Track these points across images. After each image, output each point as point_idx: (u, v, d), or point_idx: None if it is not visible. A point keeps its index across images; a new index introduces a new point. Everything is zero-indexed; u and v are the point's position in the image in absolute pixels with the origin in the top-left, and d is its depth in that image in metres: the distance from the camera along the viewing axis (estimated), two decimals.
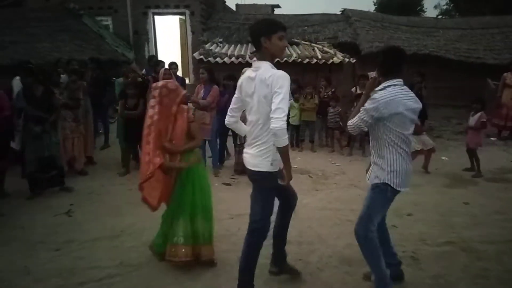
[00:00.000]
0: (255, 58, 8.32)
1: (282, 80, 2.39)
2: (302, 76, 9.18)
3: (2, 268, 3.27)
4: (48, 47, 8.14)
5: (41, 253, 3.50)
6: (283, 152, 2.45)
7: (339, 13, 13.39)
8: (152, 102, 3.08)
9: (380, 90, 2.65)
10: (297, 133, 7.93)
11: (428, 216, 4.37)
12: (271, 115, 2.35)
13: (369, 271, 3.00)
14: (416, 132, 6.07)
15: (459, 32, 11.68)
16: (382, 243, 2.89)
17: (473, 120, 5.97)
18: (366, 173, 2.94)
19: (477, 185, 5.60)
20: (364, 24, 11.52)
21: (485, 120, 5.89)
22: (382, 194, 2.68)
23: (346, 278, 3.10)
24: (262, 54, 2.55)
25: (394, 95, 2.58)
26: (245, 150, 2.75)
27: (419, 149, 5.95)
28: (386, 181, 2.63)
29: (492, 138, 8.20)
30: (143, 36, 11.67)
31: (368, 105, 2.61)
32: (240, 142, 5.90)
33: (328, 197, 5.03)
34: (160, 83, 3.19)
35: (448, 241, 3.74)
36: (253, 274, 2.78)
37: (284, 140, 2.37)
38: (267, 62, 2.52)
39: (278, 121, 2.31)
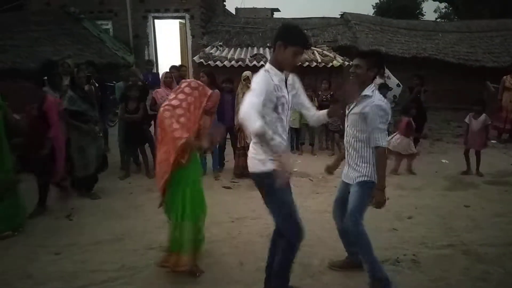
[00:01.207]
0: (255, 62, 8.38)
1: (256, 77, 2.44)
2: (301, 80, 9.18)
3: (4, 271, 3.27)
4: (49, 51, 8.17)
5: (42, 257, 3.50)
6: (260, 139, 2.32)
7: (339, 16, 13.43)
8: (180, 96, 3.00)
9: (369, 95, 2.77)
10: (297, 136, 7.94)
11: (428, 219, 4.38)
12: None
13: (336, 260, 3.26)
14: (405, 135, 6.19)
15: (458, 35, 11.72)
16: (346, 231, 3.02)
17: (477, 124, 5.99)
18: (328, 170, 3.25)
19: (477, 188, 5.60)
20: (363, 28, 11.56)
21: (490, 123, 5.95)
22: (370, 189, 2.84)
23: (347, 281, 3.11)
24: (272, 57, 2.55)
25: (383, 98, 2.83)
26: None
27: (408, 153, 6.15)
28: (373, 179, 2.83)
29: (492, 141, 8.21)
30: (143, 40, 11.70)
31: (381, 119, 2.71)
32: (239, 145, 5.92)
33: (329, 200, 4.98)
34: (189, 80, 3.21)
35: (449, 244, 3.75)
36: (288, 279, 2.75)
37: (252, 125, 2.17)
38: (269, 64, 2.52)
39: (244, 109, 2.22)
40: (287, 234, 2.64)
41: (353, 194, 2.88)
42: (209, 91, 3.10)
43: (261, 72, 2.46)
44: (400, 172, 6.24)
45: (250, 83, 5.77)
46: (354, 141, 2.88)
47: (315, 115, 2.85)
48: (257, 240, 3.85)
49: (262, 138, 2.29)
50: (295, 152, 7.79)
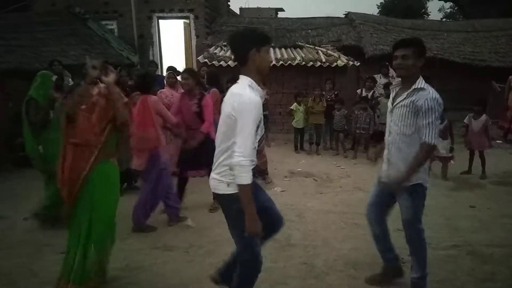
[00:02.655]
0: None
1: (244, 107, 2.07)
2: (306, 80, 9.21)
3: (10, 270, 3.30)
4: (54, 51, 8.19)
5: (48, 256, 3.52)
6: (241, 193, 2.11)
7: (343, 16, 13.40)
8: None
9: (423, 87, 2.58)
10: (301, 136, 7.94)
11: (433, 220, 4.35)
12: (234, 147, 2.09)
13: (372, 274, 3.07)
14: (442, 137, 6.02)
15: (464, 35, 11.65)
16: (383, 236, 2.98)
17: (477, 124, 5.96)
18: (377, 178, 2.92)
19: (483, 188, 5.57)
20: (368, 27, 11.53)
21: (490, 123, 5.90)
22: (422, 193, 2.71)
23: (351, 282, 3.10)
24: (248, 68, 2.22)
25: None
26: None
27: (443, 155, 5.87)
28: (422, 181, 2.68)
29: (498, 141, 8.16)
30: (147, 40, 11.73)
31: (437, 114, 2.51)
32: None
33: (333, 200, 5.02)
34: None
35: (454, 245, 3.73)
36: None
37: (243, 179, 2.07)
38: (248, 78, 2.21)
39: (236, 156, 2.05)
40: (244, 264, 2.40)
41: (405, 202, 2.70)
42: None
43: (251, 94, 2.12)
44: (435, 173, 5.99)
45: None
46: (399, 138, 2.65)
47: None
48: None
49: (246, 194, 2.11)
50: (299, 152, 7.79)
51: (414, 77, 2.62)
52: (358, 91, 8.18)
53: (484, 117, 5.94)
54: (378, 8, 25.30)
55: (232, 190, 2.20)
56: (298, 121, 7.72)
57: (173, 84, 5.87)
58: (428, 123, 2.50)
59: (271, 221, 2.59)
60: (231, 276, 2.58)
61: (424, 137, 2.52)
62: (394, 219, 4.26)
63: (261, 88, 2.29)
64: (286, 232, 4.01)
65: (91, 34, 10.55)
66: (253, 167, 2.18)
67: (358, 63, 9.34)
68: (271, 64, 2.44)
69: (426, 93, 2.54)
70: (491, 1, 17.31)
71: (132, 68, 7.04)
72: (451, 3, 23.15)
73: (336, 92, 7.91)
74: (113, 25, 11.73)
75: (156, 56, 11.79)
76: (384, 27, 11.79)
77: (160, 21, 11.81)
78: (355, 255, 3.48)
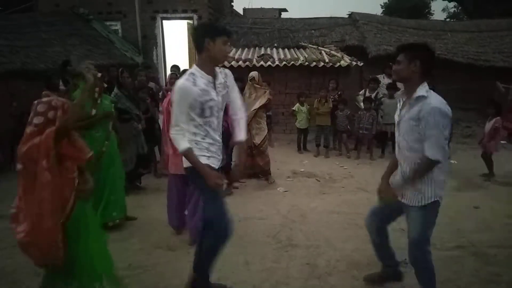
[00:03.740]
0: (262, 62, 8.35)
1: (175, 91, 2.46)
2: (309, 80, 9.20)
3: (13, 269, 3.31)
4: (59, 52, 8.24)
5: None
6: (186, 158, 2.51)
7: (346, 16, 13.38)
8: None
9: (424, 95, 2.38)
10: (304, 137, 7.93)
11: (437, 220, 4.31)
12: None
13: (371, 273, 3.05)
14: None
15: (468, 35, 11.59)
16: (383, 245, 2.90)
17: (488, 126, 5.96)
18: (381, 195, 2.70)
19: (487, 188, 5.54)
20: (371, 27, 11.49)
21: (498, 126, 5.86)
22: (435, 210, 2.52)
23: (354, 282, 3.09)
24: (202, 57, 2.50)
25: (441, 98, 2.40)
26: None
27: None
28: (437, 198, 2.47)
29: (502, 142, 8.11)
30: (151, 41, 11.77)
31: (439, 125, 2.30)
32: (248, 145, 5.92)
33: (336, 201, 5.01)
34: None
35: (458, 245, 3.71)
36: (208, 278, 2.73)
37: (180, 147, 2.45)
38: (195, 66, 2.52)
39: (171, 131, 2.48)
40: (214, 231, 2.58)
41: (416, 219, 2.52)
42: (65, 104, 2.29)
43: (182, 81, 2.46)
44: None
45: (256, 84, 5.83)
46: (409, 154, 2.46)
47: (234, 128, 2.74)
48: (264, 240, 3.85)
49: (189, 157, 2.48)
50: (302, 153, 7.78)
51: (413, 84, 2.44)
52: (362, 92, 8.16)
53: (494, 119, 5.91)
54: (381, 8, 25.25)
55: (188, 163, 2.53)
56: (301, 121, 7.71)
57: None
58: (430, 135, 2.31)
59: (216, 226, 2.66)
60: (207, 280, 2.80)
61: (425, 151, 2.34)
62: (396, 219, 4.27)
63: (213, 75, 2.53)
64: (288, 233, 4.02)
65: (95, 34, 10.60)
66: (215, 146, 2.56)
67: (362, 63, 9.31)
68: (227, 55, 2.59)
69: (428, 102, 2.34)
70: (495, 1, 17.22)
71: (136, 69, 7.07)
72: (455, 3, 23.06)
73: (339, 92, 7.88)
74: (117, 26, 11.77)
75: (160, 56, 11.84)
76: (387, 27, 11.75)
77: (164, 21, 11.84)
78: (357, 255, 3.47)
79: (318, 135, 7.56)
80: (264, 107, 5.85)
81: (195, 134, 2.49)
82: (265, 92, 5.85)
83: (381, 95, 7.49)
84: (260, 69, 8.27)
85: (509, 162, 6.64)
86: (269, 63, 9.02)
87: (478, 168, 6.12)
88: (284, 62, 9.04)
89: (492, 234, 3.97)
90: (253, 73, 5.97)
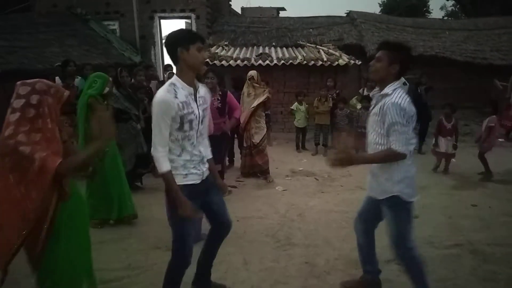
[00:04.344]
0: (260, 61, 8.27)
1: (154, 105, 2.26)
2: (307, 79, 9.21)
3: (12, 269, 3.29)
4: (56, 52, 8.23)
5: None
6: (164, 181, 2.31)
7: (344, 15, 13.39)
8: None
9: (388, 93, 2.40)
10: (303, 136, 7.93)
11: (435, 218, 4.35)
12: None
13: (348, 280, 3.03)
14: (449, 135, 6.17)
15: (466, 33, 11.61)
16: (367, 247, 2.87)
17: (484, 124, 6.01)
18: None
19: (485, 187, 5.56)
20: (369, 26, 11.50)
21: (493, 125, 5.86)
22: (408, 209, 2.48)
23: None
24: (179, 68, 2.34)
25: (407, 95, 2.42)
26: None
27: (448, 152, 6.20)
28: (398, 194, 2.45)
29: (499, 140, 8.12)
30: (149, 40, 11.76)
31: (399, 119, 2.32)
32: (245, 144, 5.93)
33: (334, 200, 5.02)
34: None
35: (456, 244, 3.72)
36: None
37: (159, 168, 2.27)
38: (176, 77, 2.34)
39: (152, 152, 2.28)
40: (175, 254, 2.51)
41: (392, 219, 2.52)
42: (65, 92, 2.09)
43: (162, 93, 2.26)
44: (440, 170, 6.35)
45: (255, 83, 5.83)
46: (376, 147, 2.49)
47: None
48: (263, 239, 3.86)
49: (167, 182, 2.29)
50: (300, 151, 7.78)
51: (386, 83, 2.45)
52: (360, 90, 8.17)
53: (490, 118, 5.94)
54: (380, 6, 25.25)
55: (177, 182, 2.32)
56: (299, 120, 7.72)
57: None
58: (393, 130, 2.34)
59: (215, 225, 2.69)
60: (207, 279, 2.82)
61: (392, 144, 2.36)
62: None
63: (194, 86, 2.37)
64: (287, 232, 4.03)
65: (92, 34, 10.58)
66: (195, 161, 2.38)
67: (360, 62, 9.32)
68: (204, 62, 2.42)
69: (390, 98, 2.37)
70: None
71: (135, 68, 7.07)
72: (453, 1, 23.08)
73: (337, 91, 7.89)
74: (114, 26, 11.76)
75: (157, 56, 11.82)
76: (385, 26, 11.77)
77: (162, 21, 11.83)
78: (356, 254, 3.44)
79: (317, 134, 7.57)
80: (263, 105, 5.85)
81: (170, 150, 2.32)
82: (264, 90, 5.86)
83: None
84: (259, 68, 8.27)
85: (507, 161, 6.66)
86: (267, 62, 9.03)
87: (476, 166, 6.13)
88: (282, 61, 9.04)
89: (490, 232, 3.98)
90: (252, 72, 5.97)
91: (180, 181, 2.33)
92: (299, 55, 9.42)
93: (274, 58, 9.22)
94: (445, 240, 3.78)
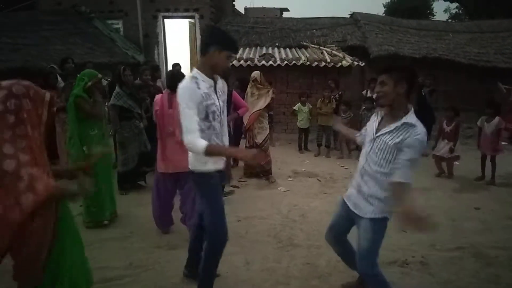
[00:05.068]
0: (264, 61, 8.32)
1: (180, 93, 2.36)
2: (310, 80, 9.20)
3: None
4: (60, 50, 8.25)
5: None
6: (212, 155, 2.40)
7: (348, 16, 13.37)
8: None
9: (413, 124, 2.29)
10: (305, 137, 7.92)
11: (438, 221, 4.33)
12: None
13: (348, 282, 3.02)
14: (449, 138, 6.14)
15: (469, 36, 11.58)
16: (348, 253, 2.82)
17: (489, 127, 5.82)
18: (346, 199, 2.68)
19: (488, 190, 5.54)
20: (373, 28, 11.49)
21: (502, 127, 5.80)
22: (385, 227, 2.48)
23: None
24: (203, 60, 2.46)
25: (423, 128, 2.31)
26: None
27: (448, 156, 6.14)
28: (385, 215, 2.43)
29: (503, 143, 8.10)
30: (153, 39, 11.77)
31: (419, 154, 2.28)
32: (249, 144, 5.93)
33: (337, 201, 5.00)
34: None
35: (458, 247, 3.71)
36: (213, 283, 2.70)
37: (199, 149, 2.30)
38: (196, 70, 2.45)
39: (185, 138, 2.33)
40: (214, 234, 2.60)
41: (366, 231, 2.46)
42: (46, 94, 1.96)
43: (186, 82, 2.39)
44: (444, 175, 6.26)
45: (258, 84, 5.83)
46: (376, 169, 2.39)
47: None
48: (264, 239, 3.85)
49: (214, 151, 2.39)
50: (303, 152, 7.78)
51: (400, 106, 2.35)
52: (363, 92, 8.15)
53: (496, 119, 5.76)
54: (384, 7, 25.24)
55: (208, 168, 2.48)
56: (302, 121, 7.71)
57: None
58: (407, 161, 2.25)
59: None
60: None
61: (399, 177, 2.26)
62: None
63: (213, 78, 2.48)
64: (289, 232, 4.02)
65: (96, 33, 10.61)
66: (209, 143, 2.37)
67: (363, 64, 9.30)
68: (225, 69, 2.53)
69: (416, 132, 2.27)
70: (497, 2, 17.21)
71: (141, 67, 7.09)
72: (457, 4, 23.04)
73: (340, 92, 7.87)
74: (118, 24, 11.79)
75: (161, 55, 11.84)
76: (389, 28, 11.75)
77: (166, 20, 11.85)
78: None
79: (319, 135, 7.56)
80: (266, 106, 5.86)
81: None
82: (268, 91, 5.87)
83: None
84: (262, 68, 8.26)
85: (509, 164, 6.64)
86: (270, 62, 9.02)
87: (479, 169, 6.11)
88: (285, 62, 9.03)
89: (492, 235, 3.96)
90: (255, 74, 5.96)
91: (211, 166, 2.49)
92: (303, 56, 9.42)
93: (278, 58, 9.21)
94: (447, 243, 3.77)
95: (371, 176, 2.44)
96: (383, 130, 2.38)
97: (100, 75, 4.08)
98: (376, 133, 2.43)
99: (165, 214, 3.95)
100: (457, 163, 6.38)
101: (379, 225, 2.45)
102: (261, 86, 5.85)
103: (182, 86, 2.37)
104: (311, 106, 7.74)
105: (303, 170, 6.48)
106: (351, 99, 7.97)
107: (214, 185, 2.55)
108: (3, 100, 1.77)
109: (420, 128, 2.29)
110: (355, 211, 2.54)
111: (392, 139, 2.32)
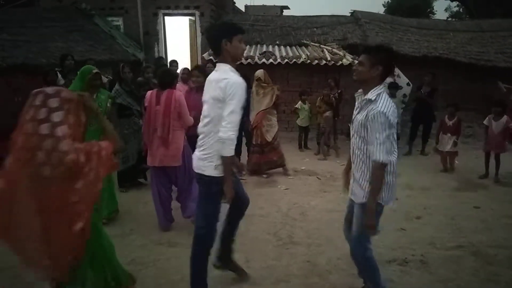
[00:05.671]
0: (264, 59, 8.36)
1: (234, 88, 2.36)
2: (310, 78, 9.19)
3: (13, 264, 3.29)
4: (60, 47, 8.22)
5: None
6: (225, 163, 2.42)
7: (348, 14, 13.34)
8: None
9: (372, 99, 2.40)
10: (306, 135, 7.93)
11: (437, 220, 4.35)
12: (222, 123, 2.36)
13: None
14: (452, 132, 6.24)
15: (470, 35, 11.56)
16: None
17: (497, 126, 5.86)
18: (346, 188, 2.78)
19: (487, 189, 5.55)
20: (373, 26, 11.46)
21: (510, 126, 5.84)
22: (378, 212, 2.48)
23: (354, 281, 3.09)
24: (223, 57, 2.52)
25: (390, 100, 2.41)
26: (195, 152, 2.66)
27: (451, 150, 6.31)
28: (380, 200, 2.47)
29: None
30: (153, 37, 11.74)
31: (382, 129, 2.31)
32: (255, 142, 5.98)
33: (337, 199, 5.01)
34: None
35: (458, 245, 3.72)
36: (206, 284, 2.73)
37: (229, 151, 2.36)
38: (227, 64, 2.49)
39: (226, 131, 2.33)
40: (203, 239, 2.65)
41: (357, 217, 2.55)
42: (74, 94, 2.11)
43: (237, 78, 2.41)
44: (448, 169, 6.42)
45: (263, 83, 5.88)
46: (359, 152, 2.49)
47: None
48: (264, 237, 3.87)
49: (229, 163, 2.43)
50: (303, 151, 7.78)
51: (370, 86, 2.45)
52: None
53: (505, 118, 5.83)
54: (384, 7, 25.20)
55: (217, 173, 2.46)
56: (302, 119, 7.71)
57: (186, 80, 5.90)
58: (375, 138, 2.32)
59: (236, 203, 2.72)
60: (229, 256, 2.96)
61: (373, 155, 2.35)
62: (396, 219, 4.29)
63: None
64: (289, 230, 4.03)
65: (97, 30, 10.57)
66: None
67: None
68: (244, 52, 2.60)
69: (375, 106, 2.35)
70: (498, 1, 17.20)
71: (144, 65, 7.09)
72: (458, 3, 23.00)
73: (340, 91, 7.87)
74: (119, 22, 11.75)
75: (161, 52, 11.81)
76: (389, 26, 11.72)
77: (166, 17, 11.82)
78: None
79: (319, 133, 7.56)
80: (273, 105, 5.93)
81: None
82: (272, 88, 5.93)
83: None
84: (262, 66, 8.24)
85: (509, 163, 6.65)
86: (271, 60, 9.01)
87: (479, 168, 6.13)
88: (286, 60, 9.02)
89: (492, 234, 3.98)
90: (259, 73, 6.01)
91: (220, 172, 2.48)
92: (303, 54, 9.40)
93: (278, 56, 9.20)
94: (447, 242, 3.79)
95: (358, 160, 2.52)
96: (355, 113, 2.54)
97: (95, 70, 4.02)
98: (353, 118, 2.56)
99: (166, 210, 4.01)
100: (456, 162, 6.42)
101: (363, 209, 2.47)
102: (265, 85, 5.91)
103: (235, 81, 2.38)
104: (310, 105, 7.74)
105: (303, 168, 6.49)
106: (352, 97, 7.95)
107: (216, 192, 2.53)
108: (61, 106, 1.94)
109: (381, 102, 2.36)
110: (352, 198, 2.63)
111: (360, 117, 2.44)
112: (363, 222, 2.46)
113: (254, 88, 5.95)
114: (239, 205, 2.81)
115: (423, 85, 7.58)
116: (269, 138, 5.88)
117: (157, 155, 3.86)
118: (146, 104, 3.98)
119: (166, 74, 4.11)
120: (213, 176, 2.48)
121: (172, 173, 3.94)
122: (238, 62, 2.59)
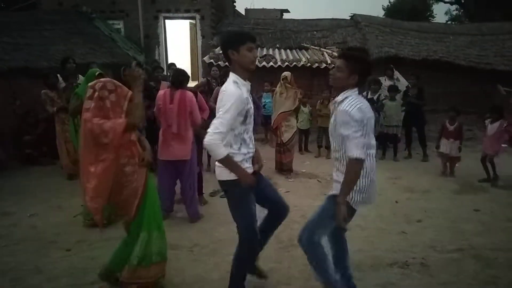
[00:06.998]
0: (264, 62, 8.42)
1: (226, 98, 2.36)
2: (311, 81, 9.22)
3: (15, 266, 3.32)
4: (61, 50, 8.25)
5: (53, 253, 3.55)
6: (225, 165, 2.43)
7: (348, 18, 13.40)
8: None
9: (340, 100, 2.46)
10: (306, 138, 7.94)
11: (437, 223, 4.35)
12: None
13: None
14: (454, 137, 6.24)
15: (469, 38, 11.60)
16: (337, 262, 2.84)
17: (492, 128, 5.95)
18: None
19: (487, 192, 5.56)
20: (373, 29, 11.50)
21: (503, 129, 5.89)
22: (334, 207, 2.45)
23: (356, 283, 3.09)
24: (233, 68, 2.51)
25: (359, 101, 2.43)
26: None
27: (453, 155, 6.30)
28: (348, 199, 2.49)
29: (503, 145, 8.12)
30: (153, 40, 11.78)
31: (348, 126, 2.36)
32: (280, 141, 6.07)
33: None
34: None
35: (458, 248, 3.72)
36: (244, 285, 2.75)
37: (217, 154, 2.35)
38: (234, 74, 2.49)
39: (207, 136, 2.32)
40: (245, 242, 2.66)
41: (323, 206, 2.62)
42: (128, 92, 2.66)
43: (233, 87, 2.40)
44: (447, 173, 6.41)
45: (288, 83, 6.00)
46: (335, 154, 2.60)
47: None
48: None
49: (228, 163, 2.41)
50: (303, 153, 7.79)
51: (344, 91, 2.49)
52: (364, 93, 8.16)
53: (498, 122, 5.93)
54: (384, 10, 25.27)
55: (233, 176, 2.45)
56: (302, 122, 7.73)
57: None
58: (347, 136, 2.37)
59: (274, 209, 2.81)
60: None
61: (347, 152, 2.39)
62: (397, 222, 4.30)
63: (248, 82, 2.56)
64: (290, 233, 4.02)
65: (97, 33, 10.61)
66: (247, 154, 2.54)
67: None
68: (255, 61, 2.55)
69: (340, 107, 2.42)
70: (497, 4, 17.25)
71: (153, 66, 7.13)
72: (457, 6, 23.08)
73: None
74: (119, 25, 11.79)
75: (162, 56, 11.85)
76: (389, 29, 11.76)
77: (167, 21, 11.87)
78: (358, 257, 3.48)
79: (319, 136, 7.58)
80: (295, 108, 6.18)
81: (231, 145, 2.45)
82: (295, 92, 6.06)
83: (383, 97, 7.50)
84: (262, 69, 8.29)
85: (508, 165, 6.65)
86: (271, 64, 9.04)
87: (479, 171, 6.13)
88: (286, 63, 9.06)
89: (492, 237, 3.98)
90: (286, 73, 6.26)
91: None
92: (303, 57, 9.44)
93: (278, 60, 9.24)
94: (447, 244, 3.79)
95: (337, 162, 2.59)
96: (332, 116, 2.60)
97: (97, 72, 4.14)
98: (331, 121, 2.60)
99: (166, 198, 4.26)
100: (457, 164, 6.43)
101: (331, 204, 2.51)
102: (290, 86, 6.03)
103: (229, 91, 2.38)
104: (310, 108, 7.76)
105: (303, 171, 6.50)
106: None
107: (241, 193, 2.52)
108: (99, 90, 2.57)
109: (346, 102, 2.41)
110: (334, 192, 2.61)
111: (332, 120, 2.55)
112: (333, 213, 2.44)
113: (278, 89, 6.19)
114: (274, 212, 2.82)
115: (409, 88, 7.63)
116: (285, 138, 6.06)
117: (170, 149, 4.16)
118: (159, 103, 4.19)
119: (179, 74, 4.33)
120: (231, 180, 2.48)
121: (181, 166, 4.26)
122: (251, 70, 2.54)
